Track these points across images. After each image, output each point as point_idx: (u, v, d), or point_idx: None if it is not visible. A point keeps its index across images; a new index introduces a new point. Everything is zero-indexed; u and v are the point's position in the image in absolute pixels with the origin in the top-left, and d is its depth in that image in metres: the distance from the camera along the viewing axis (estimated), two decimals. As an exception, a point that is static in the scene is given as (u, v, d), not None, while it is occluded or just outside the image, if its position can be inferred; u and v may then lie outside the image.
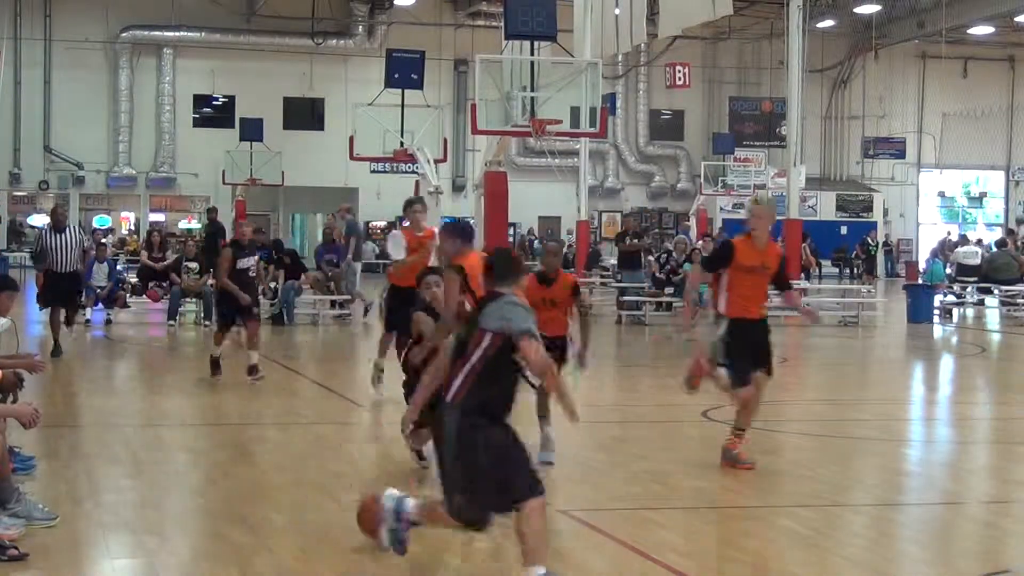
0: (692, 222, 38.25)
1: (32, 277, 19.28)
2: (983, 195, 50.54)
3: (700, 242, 26.13)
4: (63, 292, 15.06)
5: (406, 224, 11.92)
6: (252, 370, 12.67)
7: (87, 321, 19.21)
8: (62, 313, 15.11)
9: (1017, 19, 43.42)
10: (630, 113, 46.18)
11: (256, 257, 13.40)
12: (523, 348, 5.20)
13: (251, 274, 13.12)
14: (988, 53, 47.93)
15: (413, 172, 25.58)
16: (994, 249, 27.28)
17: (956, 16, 40.54)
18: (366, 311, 21.14)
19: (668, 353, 17.48)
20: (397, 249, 11.49)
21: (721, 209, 43.38)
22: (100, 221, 40.71)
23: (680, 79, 38.95)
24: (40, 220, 37.70)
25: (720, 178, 39.57)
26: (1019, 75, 49.44)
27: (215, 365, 12.98)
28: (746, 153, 42.26)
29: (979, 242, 31.87)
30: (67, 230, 15.10)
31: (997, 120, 48.48)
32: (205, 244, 24.55)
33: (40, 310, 15.81)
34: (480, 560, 6.25)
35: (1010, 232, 35.95)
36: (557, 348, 8.55)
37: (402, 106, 23.95)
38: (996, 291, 24.95)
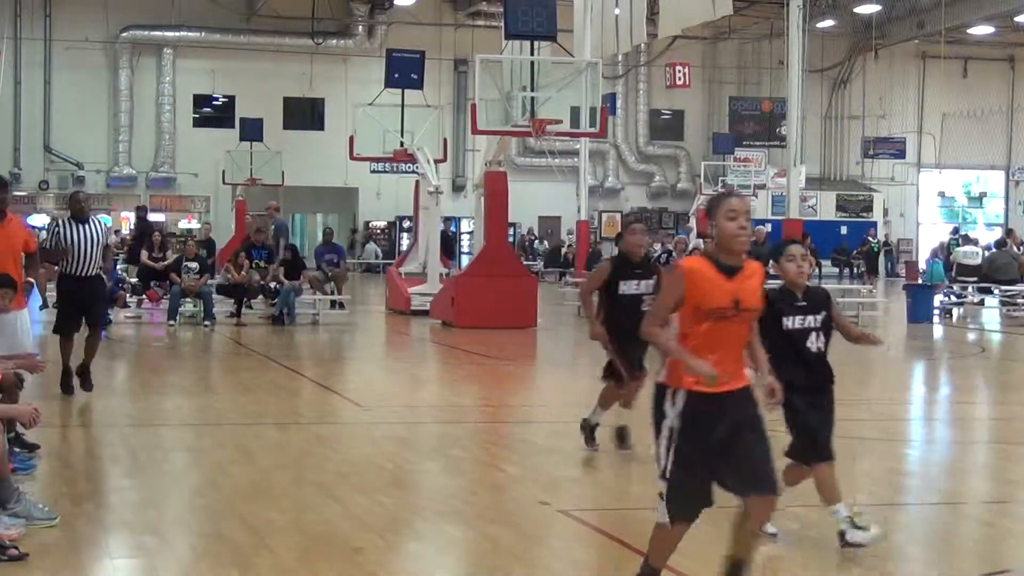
0: (692, 222, 38.24)
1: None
2: (983, 195, 50.54)
3: (700, 242, 26.14)
4: (84, 301, 11.42)
5: None
6: (621, 436, 9.11)
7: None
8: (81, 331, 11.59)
9: (1017, 19, 43.42)
10: (630, 113, 46.19)
11: (652, 281, 8.58)
12: None
13: (644, 307, 8.08)
14: (988, 53, 47.93)
15: (413, 172, 25.62)
16: (994, 249, 27.29)
17: (956, 16, 40.54)
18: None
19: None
20: None
21: (721, 209, 43.31)
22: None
23: (680, 79, 39.00)
24: (40, 220, 37.66)
25: (720, 178, 39.59)
26: (1019, 75, 49.45)
27: (590, 434, 9.10)
28: (746, 153, 42.29)
29: (964, 236, 31.59)
30: (90, 222, 11.48)
31: (997, 120, 48.49)
32: (132, 244, 24.30)
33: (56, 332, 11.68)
34: (483, 558, 6.25)
35: (1009, 232, 35.91)
36: None
37: (402, 106, 23.98)
38: (996, 291, 24.97)
